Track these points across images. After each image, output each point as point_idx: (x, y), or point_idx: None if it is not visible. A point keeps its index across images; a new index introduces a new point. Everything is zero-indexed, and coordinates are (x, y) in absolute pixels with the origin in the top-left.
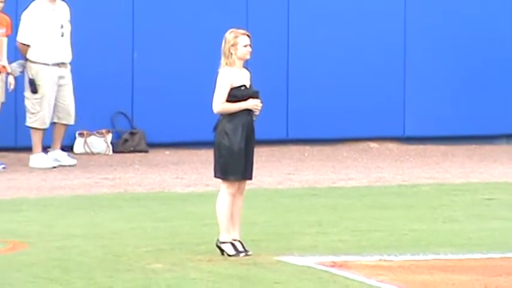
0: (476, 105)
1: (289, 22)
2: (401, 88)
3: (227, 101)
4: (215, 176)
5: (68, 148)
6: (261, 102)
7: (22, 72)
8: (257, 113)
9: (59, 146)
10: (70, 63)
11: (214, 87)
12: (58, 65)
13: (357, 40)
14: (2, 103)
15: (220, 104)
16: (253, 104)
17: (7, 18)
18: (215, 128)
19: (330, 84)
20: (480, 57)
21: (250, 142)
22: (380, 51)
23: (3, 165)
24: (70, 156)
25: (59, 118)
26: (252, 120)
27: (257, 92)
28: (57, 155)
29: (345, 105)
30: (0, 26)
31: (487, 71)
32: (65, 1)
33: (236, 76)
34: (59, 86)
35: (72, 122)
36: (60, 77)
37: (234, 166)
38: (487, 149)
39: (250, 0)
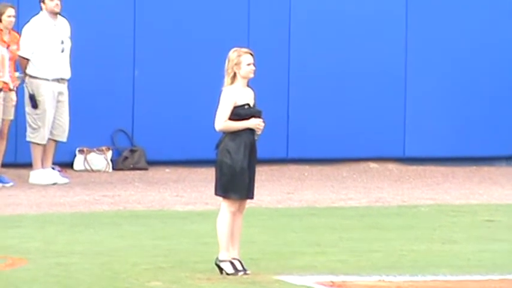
0: (477, 126)
1: (290, 42)
2: (401, 109)
3: (230, 119)
4: (216, 194)
5: (67, 165)
6: (264, 122)
7: (20, 84)
8: (259, 132)
9: (50, 163)
10: (68, 80)
11: (216, 105)
12: (58, 80)
13: (357, 60)
14: (11, 120)
15: (223, 122)
16: (255, 123)
17: (17, 35)
18: (217, 146)
19: (330, 104)
20: (481, 79)
21: (252, 161)
22: (381, 72)
23: (11, 183)
24: (62, 175)
25: (52, 135)
26: (254, 139)
27: (260, 112)
28: (49, 174)
29: (345, 125)
30: (12, 43)
31: (487, 93)
32: (66, 18)
33: (240, 95)
34: (58, 102)
35: (65, 140)
36: (60, 93)
37: (237, 185)
38: (487, 170)
39: (251, 19)
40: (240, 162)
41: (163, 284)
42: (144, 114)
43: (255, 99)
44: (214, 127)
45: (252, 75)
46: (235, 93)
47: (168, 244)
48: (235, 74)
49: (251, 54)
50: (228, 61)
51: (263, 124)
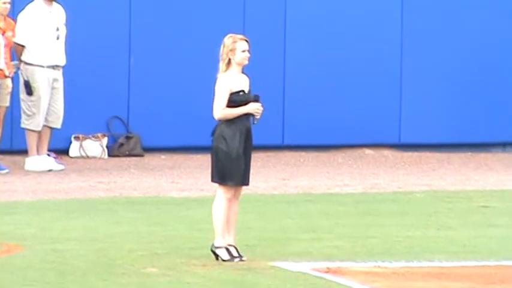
0: (472, 112)
1: (286, 29)
2: (397, 95)
3: (226, 106)
4: (212, 181)
5: (63, 152)
6: (262, 106)
7: (16, 72)
8: (258, 116)
9: (45, 150)
10: (63, 67)
11: (211, 92)
12: (53, 67)
13: (353, 47)
14: (6, 107)
15: (221, 110)
16: (254, 107)
17: (12, 22)
18: (213, 133)
19: (325, 91)
20: (476, 65)
21: (248, 147)
22: (376, 58)
23: (6, 170)
24: (57, 162)
25: (47, 121)
26: (250, 125)
27: (257, 96)
28: (45, 161)
29: (341, 111)
30: (8, 30)
31: (483, 78)
32: (61, 5)
33: (234, 81)
34: (53, 88)
35: (59, 126)
36: (54, 80)
37: (232, 171)
38: (483, 156)
39: (247, 6)
40: (235, 148)
41: (158, 270)
42: (139, 101)
43: (249, 85)
44: (209, 114)
45: (246, 62)
46: (230, 80)
47: (164, 230)
48: (229, 60)
49: (246, 40)
50: (223, 47)
51: (262, 108)
